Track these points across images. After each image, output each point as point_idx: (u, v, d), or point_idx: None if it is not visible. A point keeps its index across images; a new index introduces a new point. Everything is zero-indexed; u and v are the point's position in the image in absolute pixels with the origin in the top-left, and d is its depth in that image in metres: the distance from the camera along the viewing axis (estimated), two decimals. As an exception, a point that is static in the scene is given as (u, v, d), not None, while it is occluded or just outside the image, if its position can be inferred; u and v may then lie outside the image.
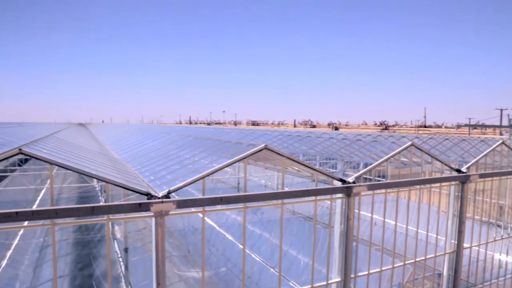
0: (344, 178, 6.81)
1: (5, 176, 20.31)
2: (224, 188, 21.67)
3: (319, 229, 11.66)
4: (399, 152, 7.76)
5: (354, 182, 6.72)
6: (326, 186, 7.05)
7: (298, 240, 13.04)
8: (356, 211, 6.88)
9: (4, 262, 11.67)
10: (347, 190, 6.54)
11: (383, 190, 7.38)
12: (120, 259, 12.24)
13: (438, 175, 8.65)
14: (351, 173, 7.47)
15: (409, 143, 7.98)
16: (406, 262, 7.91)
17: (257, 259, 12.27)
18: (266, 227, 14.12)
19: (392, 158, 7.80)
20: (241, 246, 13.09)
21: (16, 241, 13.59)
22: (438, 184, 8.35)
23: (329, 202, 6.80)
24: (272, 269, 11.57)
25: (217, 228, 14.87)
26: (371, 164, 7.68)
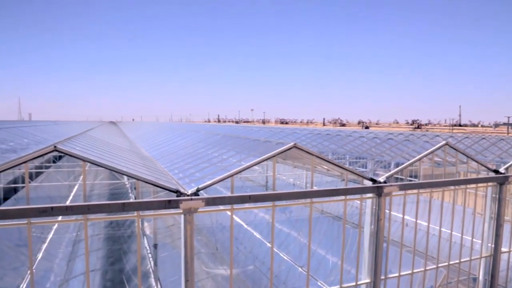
0: (375, 178, 6.65)
1: (41, 172, 21.06)
2: (252, 186, 21.69)
3: (348, 229, 11.48)
4: (432, 152, 7.52)
5: (385, 182, 6.56)
6: (356, 185, 6.91)
7: (326, 239, 12.89)
8: (387, 211, 6.72)
9: (40, 255, 12.08)
10: (378, 190, 6.39)
11: (415, 191, 7.17)
12: (150, 255, 12.43)
13: (474, 176, 8.34)
14: (382, 172, 7.30)
15: (443, 142, 7.73)
16: (439, 265, 7.67)
17: (285, 258, 12.20)
18: (294, 226, 14.03)
19: (425, 158, 7.57)
20: (268, 245, 13.06)
21: (50, 235, 14.04)
22: (474, 185, 8.06)
23: (359, 202, 6.67)
24: (300, 268, 11.48)
25: (245, 226, 14.89)
26: (402, 163, 7.48)
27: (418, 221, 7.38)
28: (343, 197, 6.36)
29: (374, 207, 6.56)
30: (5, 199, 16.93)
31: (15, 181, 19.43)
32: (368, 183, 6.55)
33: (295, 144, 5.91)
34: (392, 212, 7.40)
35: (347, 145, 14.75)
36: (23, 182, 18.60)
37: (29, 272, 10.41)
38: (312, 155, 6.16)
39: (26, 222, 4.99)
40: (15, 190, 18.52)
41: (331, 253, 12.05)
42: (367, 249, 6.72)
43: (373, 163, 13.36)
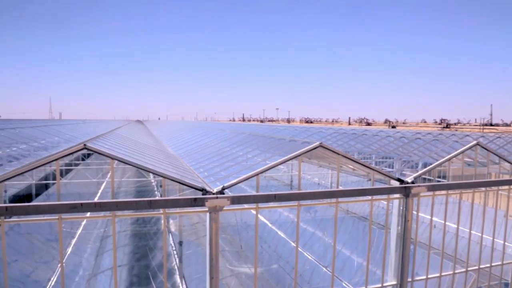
0: (402, 178, 6.53)
1: (70, 170, 21.64)
2: (276, 185, 21.67)
3: (374, 230, 11.32)
4: (462, 152, 7.32)
5: (413, 182, 6.43)
6: (383, 185, 6.80)
7: (351, 240, 12.75)
8: (414, 212, 6.58)
9: (70, 250, 12.42)
10: (406, 191, 6.27)
11: (444, 192, 7.00)
12: (175, 252, 12.59)
13: (506, 177, 8.08)
14: (409, 173, 7.16)
15: (474, 142, 7.51)
16: (469, 269, 7.46)
17: (309, 257, 12.14)
18: (319, 225, 13.94)
19: (454, 158, 7.38)
20: (293, 244, 13.01)
21: (79, 231, 14.41)
22: (506, 187, 7.80)
23: (385, 202, 6.56)
24: (324, 268, 11.39)
25: (269, 225, 14.89)
26: (430, 164, 7.32)
27: (446, 223, 7.20)
28: (369, 197, 6.26)
29: (401, 208, 6.44)
30: (37, 195, 17.49)
31: (46, 177, 20.02)
32: (395, 183, 6.43)
33: (321, 143, 5.86)
34: (419, 214, 7.25)
35: (373, 144, 14.53)
36: (53, 178, 19.16)
37: (59, 265, 10.70)
38: (338, 154, 6.09)
39: (57, 217, 5.14)
40: (46, 187, 19.10)
41: (356, 254, 11.91)
42: (394, 250, 6.60)
43: (400, 163, 13.12)
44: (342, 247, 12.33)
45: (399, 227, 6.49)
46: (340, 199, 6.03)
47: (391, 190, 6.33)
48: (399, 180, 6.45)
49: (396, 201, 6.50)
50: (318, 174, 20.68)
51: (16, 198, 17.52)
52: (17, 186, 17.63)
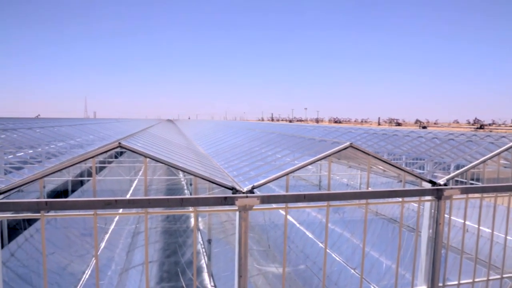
0: (434, 180, 6.42)
1: (104, 167, 22.29)
2: (305, 185, 21.60)
3: (403, 232, 11.13)
4: (498, 154, 7.12)
5: (445, 184, 6.30)
6: (414, 187, 6.70)
7: (380, 242, 12.59)
8: (447, 215, 6.45)
9: (103, 245, 12.82)
10: (438, 193, 6.16)
11: (478, 195, 6.82)
12: (203, 250, 12.77)
13: (544, 181, 7.79)
14: (441, 174, 7.02)
15: (511, 143, 7.29)
16: (504, 276, 7.24)
17: (337, 259, 12.06)
18: (347, 226, 13.83)
19: (489, 160, 7.18)
20: (320, 244, 12.96)
21: (112, 227, 14.83)
22: (544, 191, 7.52)
23: (416, 204, 6.46)
24: (352, 270, 11.30)
25: (297, 225, 14.88)
26: (463, 166, 7.15)
27: (480, 227, 7.02)
28: (400, 199, 6.19)
29: (433, 210, 6.32)
30: (72, 191, 18.13)
31: (81, 174, 20.70)
32: (427, 185, 6.33)
33: (351, 143, 5.84)
34: (452, 217, 7.10)
35: (404, 145, 14.28)
36: (88, 175, 19.81)
37: (93, 260, 11.06)
38: (368, 155, 6.05)
39: (92, 213, 5.33)
40: (82, 183, 19.76)
41: (384, 256, 11.75)
42: (424, 254, 6.49)
43: (431, 165, 12.84)
44: (371, 249, 12.18)
45: (431, 230, 6.38)
46: (370, 201, 5.99)
47: (422, 192, 6.23)
48: (431, 182, 6.34)
49: (427, 203, 6.39)
50: (347, 174, 20.49)
51: (54, 194, 18.21)
52: (54, 182, 18.32)
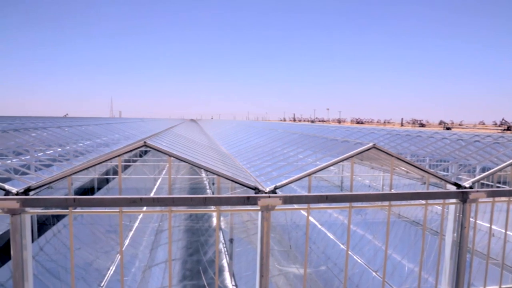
0: (459, 183, 6.32)
1: (129, 165, 22.72)
2: (326, 186, 21.50)
3: (426, 235, 10.96)
4: (526, 157, 6.95)
5: (470, 187, 6.20)
6: (438, 190, 6.61)
7: (402, 244, 12.43)
8: (472, 219, 6.35)
9: (127, 242, 13.09)
10: (463, 196, 6.06)
11: (505, 198, 6.68)
12: (225, 249, 12.88)
13: None
14: (466, 177, 6.90)
15: (540, 147, 7.10)
16: (532, 281, 7.07)
17: (359, 261, 11.97)
18: (369, 228, 13.71)
19: (517, 163, 7.01)
20: (342, 246, 12.89)
21: (136, 224, 15.12)
22: None
23: (440, 207, 6.38)
24: (374, 273, 11.21)
25: (319, 226, 14.84)
26: (490, 168, 7.01)
27: (507, 232, 6.87)
28: (423, 202, 6.12)
29: (458, 214, 6.23)
30: (98, 188, 18.56)
31: (107, 172, 21.15)
32: (452, 188, 6.24)
33: (374, 144, 5.82)
34: (477, 221, 6.96)
35: (428, 146, 14.06)
36: (113, 173, 20.21)
37: (118, 256, 11.28)
38: (392, 156, 6.01)
39: (118, 210, 5.47)
40: (107, 181, 20.20)
41: (407, 259, 11.59)
42: (448, 258, 6.40)
43: (456, 167, 12.60)
44: (393, 251, 12.05)
45: (455, 234, 6.29)
46: (392, 202, 5.95)
47: (447, 195, 6.15)
48: (455, 184, 6.25)
49: (452, 206, 6.30)
50: (370, 176, 20.30)
51: (81, 191, 18.69)
52: (81, 179, 18.78)
